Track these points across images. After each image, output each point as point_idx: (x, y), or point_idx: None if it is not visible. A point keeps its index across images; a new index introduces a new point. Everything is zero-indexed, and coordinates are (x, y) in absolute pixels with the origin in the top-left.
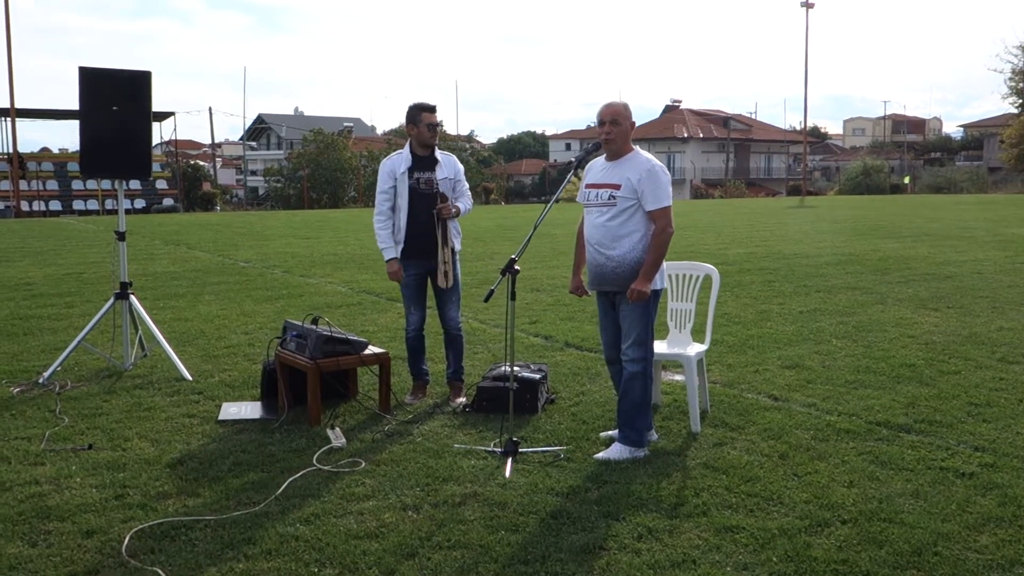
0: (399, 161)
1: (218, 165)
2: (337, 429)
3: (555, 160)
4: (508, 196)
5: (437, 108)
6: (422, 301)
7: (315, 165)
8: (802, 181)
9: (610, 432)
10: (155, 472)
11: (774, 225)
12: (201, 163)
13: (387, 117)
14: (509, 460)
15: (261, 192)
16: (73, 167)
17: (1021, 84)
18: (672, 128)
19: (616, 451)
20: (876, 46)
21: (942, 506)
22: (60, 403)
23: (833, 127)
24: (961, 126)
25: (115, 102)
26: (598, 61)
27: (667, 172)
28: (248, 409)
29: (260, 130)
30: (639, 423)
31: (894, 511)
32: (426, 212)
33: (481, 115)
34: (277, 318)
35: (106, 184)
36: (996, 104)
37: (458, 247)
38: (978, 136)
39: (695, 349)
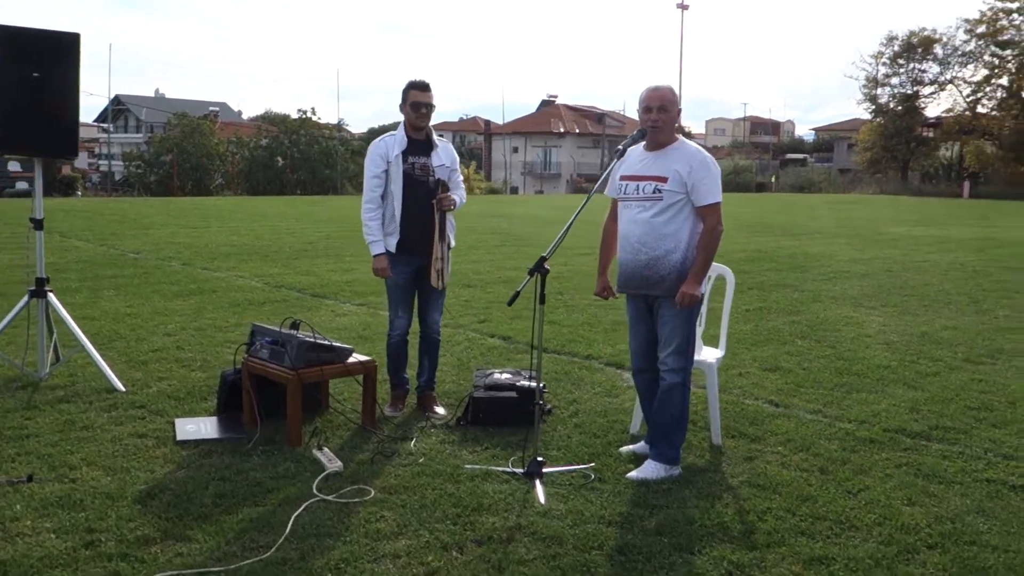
0: (392, 143)
1: None
2: (326, 449)
3: None
4: None
5: (430, 87)
6: (410, 303)
7: (180, 150)
8: None
9: (631, 447)
10: (123, 510)
11: None
12: None
13: (255, 102)
14: (538, 483)
15: (118, 177)
16: None
17: (874, 91)
18: (549, 123)
19: (651, 469)
20: (732, 51)
21: (1017, 525)
22: None
23: (696, 127)
24: (813, 129)
25: (37, 67)
26: (468, 53)
27: (717, 164)
28: (207, 427)
29: (117, 112)
30: (676, 439)
31: (973, 533)
32: (421, 202)
33: (350, 104)
34: (196, 316)
35: None
36: (841, 109)
37: (453, 243)
38: (828, 139)
39: (714, 355)
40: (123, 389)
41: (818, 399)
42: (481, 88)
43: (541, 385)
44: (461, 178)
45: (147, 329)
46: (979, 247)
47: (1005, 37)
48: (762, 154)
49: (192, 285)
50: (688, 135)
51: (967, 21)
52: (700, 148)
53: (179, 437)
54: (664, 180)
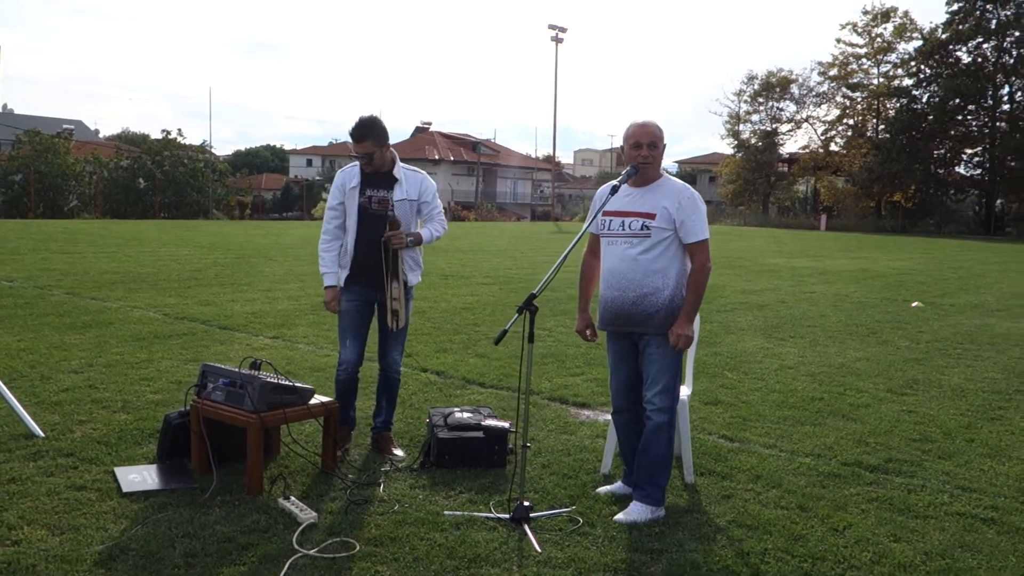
0: (351, 174)
1: None
2: (293, 498)
3: (296, 176)
4: (245, 211)
5: (364, 135)
6: (361, 335)
7: (30, 170)
8: (551, 207)
9: (609, 488)
10: None
11: (555, 251)
12: None
13: (112, 121)
14: (528, 529)
15: None
16: None
17: (736, 127)
18: (424, 149)
19: (637, 512)
20: (598, 83)
21: (1001, 560)
22: None
23: (564, 157)
24: (676, 162)
25: None
26: (334, 76)
27: (703, 200)
28: (152, 476)
29: None
30: (662, 479)
31: (966, 569)
32: (377, 237)
33: (217, 125)
34: (100, 351)
35: None
36: (699, 142)
37: (414, 281)
38: (691, 171)
39: (684, 392)
40: (43, 435)
41: (768, 433)
42: (352, 112)
43: (510, 428)
44: (438, 210)
45: (48, 366)
46: (856, 278)
47: (855, 80)
48: None
49: (84, 317)
50: (559, 164)
51: (820, 64)
52: (686, 184)
53: (125, 488)
54: (652, 216)
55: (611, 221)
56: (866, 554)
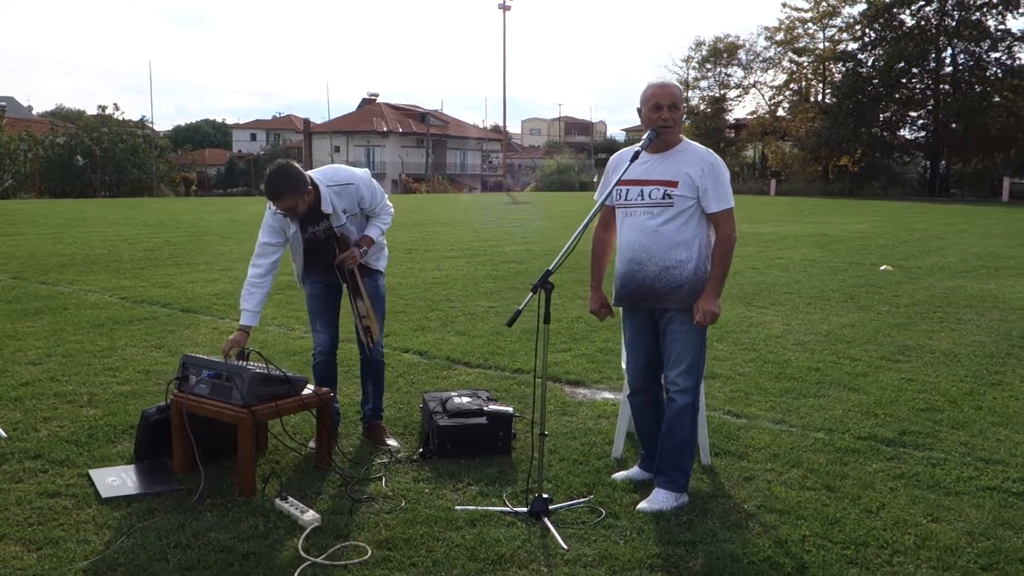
0: (286, 220)
1: None
2: (291, 499)
3: (240, 151)
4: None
5: (283, 194)
6: (332, 316)
7: None
8: (503, 178)
9: (625, 474)
10: None
11: (514, 220)
12: None
13: (45, 98)
14: (549, 524)
15: None
16: None
17: (685, 93)
18: (371, 121)
19: (662, 499)
20: (546, 52)
21: None
22: None
23: (512, 127)
24: (624, 130)
25: None
26: (276, 48)
27: (726, 167)
28: (132, 478)
29: None
30: (686, 464)
31: (1013, 549)
32: (328, 257)
33: (146, 99)
34: (58, 340)
35: None
36: None
37: (382, 266)
38: (638, 139)
39: None
40: (5, 435)
41: (773, 407)
42: (294, 86)
43: (513, 413)
44: (381, 204)
45: (3, 357)
46: (819, 243)
47: (801, 45)
48: (577, 154)
49: (35, 303)
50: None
51: (767, 28)
52: (708, 149)
53: (104, 494)
54: (674, 184)
55: (628, 190)
56: (908, 537)
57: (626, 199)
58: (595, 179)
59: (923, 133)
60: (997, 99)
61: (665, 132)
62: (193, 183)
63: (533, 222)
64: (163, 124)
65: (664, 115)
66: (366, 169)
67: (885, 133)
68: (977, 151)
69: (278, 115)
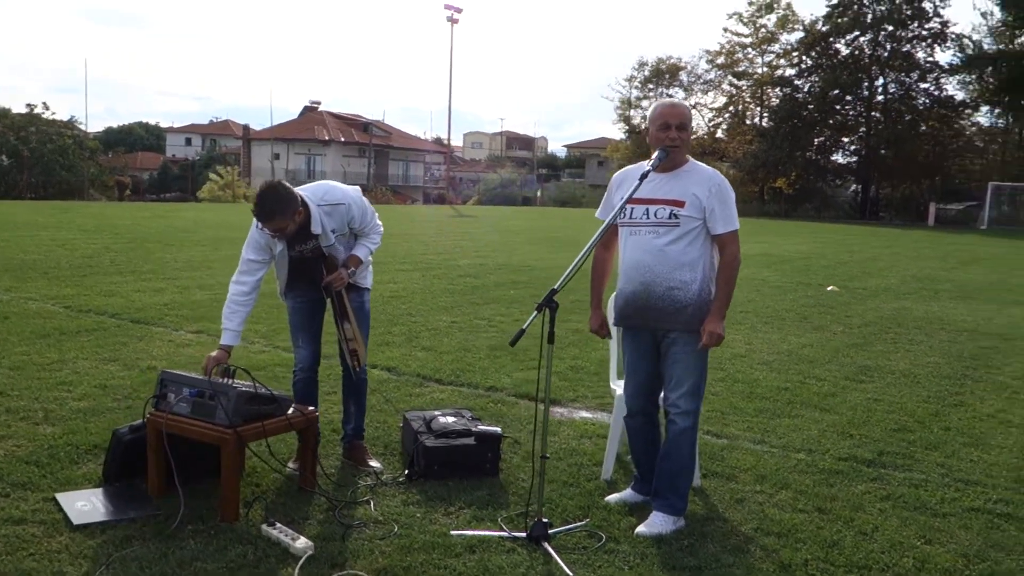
0: (274, 240)
1: None
2: (279, 525)
3: (174, 155)
4: (124, 191)
5: (272, 216)
6: (315, 331)
7: None
8: (446, 190)
9: (619, 496)
10: None
11: (461, 234)
12: None
13: None
14: (551, 550)
15: None
16: None
17: (627, 112)
18: (313, 129)
19: (660, 523)
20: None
21: None
22: None
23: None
24: (565, 146)
25: None
26: (214, 51)
27: (732, 188)
28: (103, 502)
29: None
30: (684, 487)
31: (1008, 572)
32: (315, 274)
33: (73, 99)
34: (2, 351)
35: None
36: (587, 127)
37: (368, 284)
38: (579, 155)
39: None
40: None
41: (751, 427)
42: (233, 91)
43: (501, 433)
44: (372, 219)
45: None
46: (765, 263)
47: (740, 69)
48: (519, 168)
49: None
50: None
51: (708, 52)
52: (715, 170)
53: (75, 520)
54: (681, 204)
55: (633, 209)
56: (907, 560)
57: (631, 218)
58: (538, 193)
59: (855, 158)
60: (924, 128)
61: (673, 152)
62: (128, 187)
63: (483, 235)
64: (93, 125)
65: (672, 135)
66: (357, 187)
67: (819, 157)
68: (905, 177)
69: (215, 120)
